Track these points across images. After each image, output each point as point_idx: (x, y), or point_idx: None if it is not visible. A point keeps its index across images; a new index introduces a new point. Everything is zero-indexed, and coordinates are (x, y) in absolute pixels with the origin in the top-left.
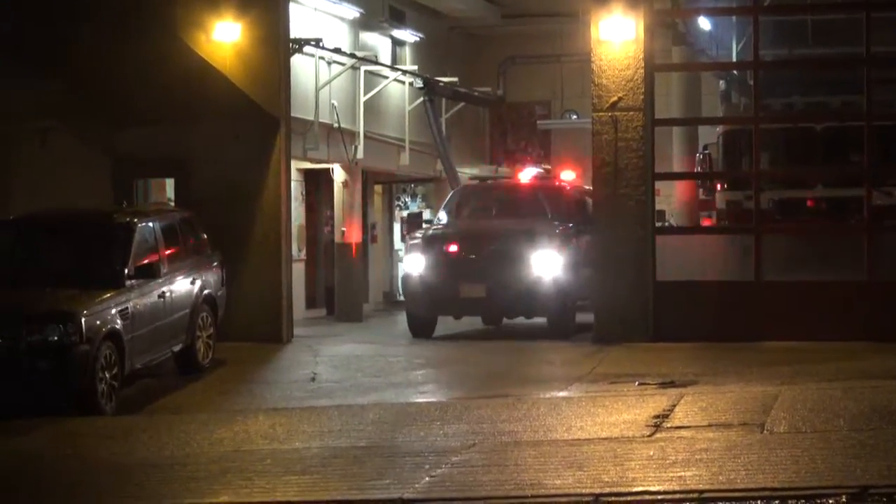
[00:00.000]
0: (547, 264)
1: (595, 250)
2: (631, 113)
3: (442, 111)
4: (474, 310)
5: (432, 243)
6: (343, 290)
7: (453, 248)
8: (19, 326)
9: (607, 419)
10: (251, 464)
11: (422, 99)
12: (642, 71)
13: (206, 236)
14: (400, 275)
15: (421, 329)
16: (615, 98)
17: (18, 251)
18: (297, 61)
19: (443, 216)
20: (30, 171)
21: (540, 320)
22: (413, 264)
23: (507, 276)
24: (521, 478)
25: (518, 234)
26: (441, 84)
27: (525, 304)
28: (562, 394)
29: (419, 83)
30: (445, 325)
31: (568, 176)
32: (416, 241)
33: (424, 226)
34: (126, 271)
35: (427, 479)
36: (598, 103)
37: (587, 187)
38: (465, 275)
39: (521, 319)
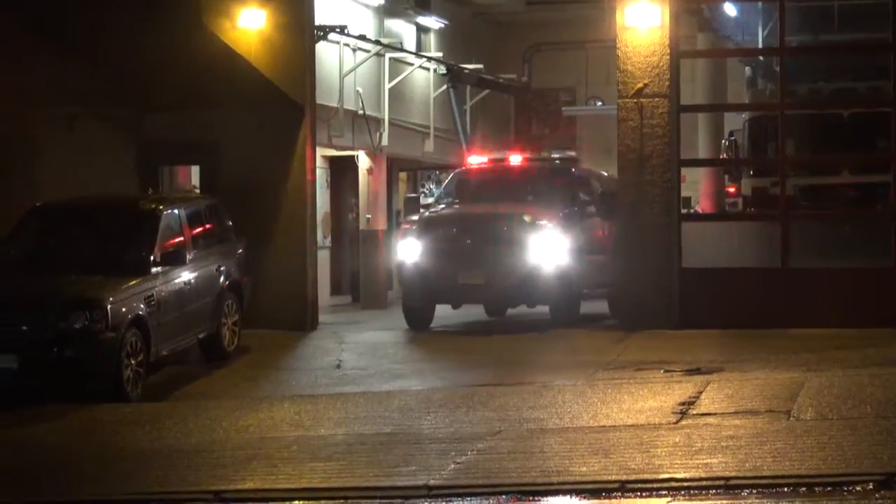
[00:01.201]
0: (548, 250)
1: (620, 237)
2: (656, 99)
3: (466, 98)
4: (472, 298)
5: (427, 228)
6: (368, 278)
7: (450, 232)
8: (45, 313)
9: (633, 406)
10: (277, 451)
11: (446, 86)
12: (668, 57)
13: (231, 223)
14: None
15: (417, 320)
16: (641, 85)
17: (44, 238)
18: (321, 48)
19: (441, 200)
20: (56, 158)
21: (543, 309)
22: (407, 251)
23: (506, 262)
24: (547, 465)
25: (518, 217)
26: (466, 71)
27: (526, 292)
28: (587, 381)
29: (443, 70)
30: (448, 316)
31: (570, 156)
32: (410, 227)
33: (422, 211)
34: (152, 258)
35: (453, 465)
36: (623, 90)
37: (597, 169)
38: (462, 261)
39: (523, 309)
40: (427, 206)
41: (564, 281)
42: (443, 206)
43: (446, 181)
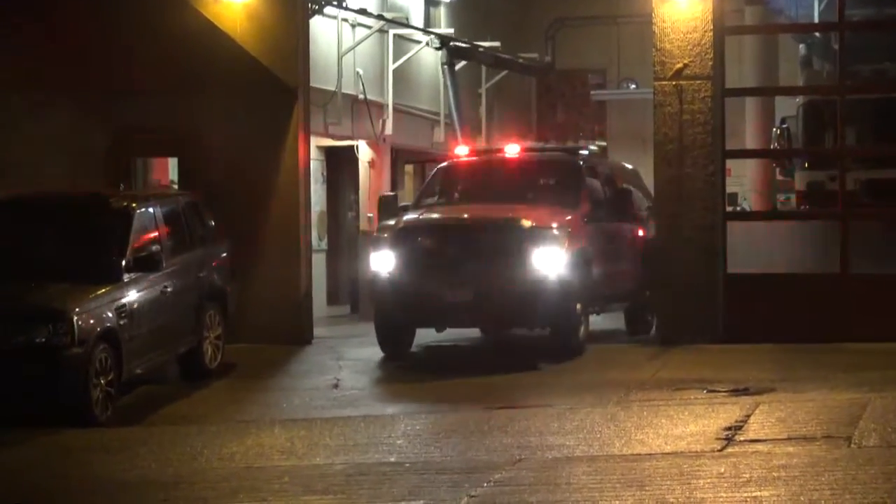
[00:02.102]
0: (550, 262)
1: (658, 238)
2: (698, 82)
3: (482, 80)
4: (459, 320)
5: (405, 236)
6: (368, 286)
7: (432, 242)
8: (2, 326)
9: (672, 431)
10: (266, 482)
11: (441, 63)
12: (711, 34)
13: (213, 223)
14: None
15: (392, 343)
16: (680, 65)
17: (0, 239)
18: (316, 24)
19: (423, 201)
20: (15, 148)
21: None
22: (382, 263)
23: (500, 277)
24: (574, 498)
25: (514, 223)
26: (480, 49)
27: (521, 313)
28: (619, 402)
29: (436, 44)
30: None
31: (582, 148)
32: (385, 235)
33: (401, 214)
34: (123, 263)
35: (466, 499)
36: (660, 71)
37: (618, 161)
38: (446, 276)
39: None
40: (407, 208)
41: (567, 299)
42: (424, 208)
43: (429, 177)
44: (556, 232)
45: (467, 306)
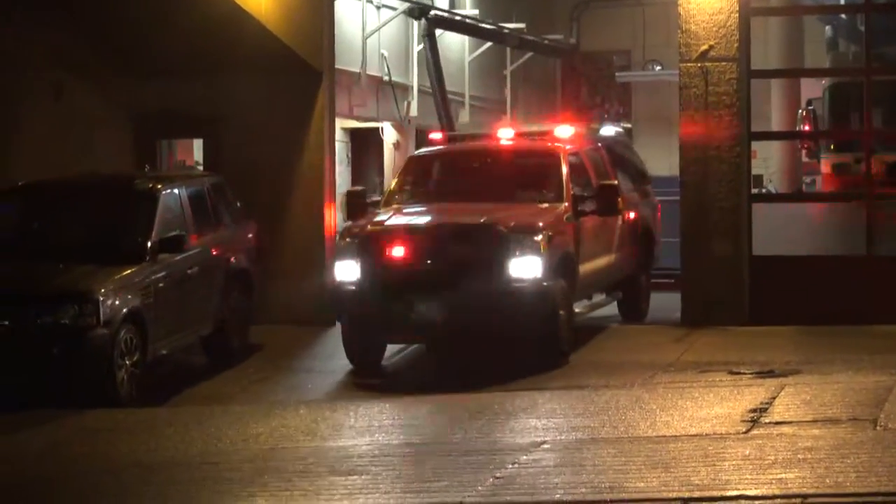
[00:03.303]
0: (529, 271)
1: (682, 220)
2: (723, 63)
3: (507, 62)
4: (428, 335)
5: (367, 245)
6: None
7: (396, 252)
8: (29, 307)
9: (697, 413)
10: (291, 463)
11: (421, 35)
12: (737, 15)
13: (238, 205)
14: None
15: (361, 355)
16: (705, 46)
17: (27, 222)
18: (341, 6)
19: (393, 198)
20: (40, 131)
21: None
22: (345, 273)
23: (472, 290)
24: (599, 480)
25: (487, 230)
26: (506, 31)
27: (499, 327)
28: (644, 384)
29: (415, 14)
30: None
31: (565, 132)
32: (348, 241)
33: (369, 213)
34: (149, 244)
35: (491, 480)
36: (685, 52)
37: (621, 139)
38: (414, 288)
39: None
40: (377, 204)
41: (550, 306)
42: (393, 207)
43: (400, 170)
44: (536, 237)
45: (438, 324)
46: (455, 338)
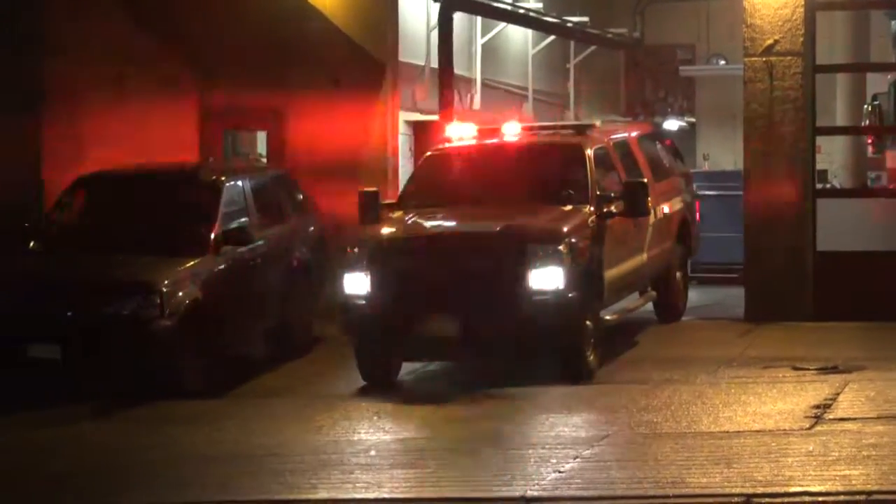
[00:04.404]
0: (551, 282)
1: (746, 215)
2: (788, 58)
3: (570, 56)
4: (443, 354)
5: (378, 257)
6: None
7: (409, 263)
8: (92, 298)
9: (760, 409)
10: (353, 456)
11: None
12: (802, 9)
13: (302, 197)
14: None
15: (374, 371)
16: (770, 41)
17: (91, 212)
18: None
19: (407, 202)
20: (105, 123)
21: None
22: (355, 286)
23: (490, 304)
24: (662, 475)
25: (505, 239)
26: (569, 24)
27: (518, 343)
28: (707, 379)
29: None
30: None
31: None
32: (357, 252)
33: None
34: (213, 236)
35: (553, 474)
36: (750, 47)
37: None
38: (427, 302)
39: None
40: (391, 207)
41: (574, 318)
42: (407, 212)
43: (414, 170)
44: (558, 245)
45: (453, 340)
46: (472, 356)
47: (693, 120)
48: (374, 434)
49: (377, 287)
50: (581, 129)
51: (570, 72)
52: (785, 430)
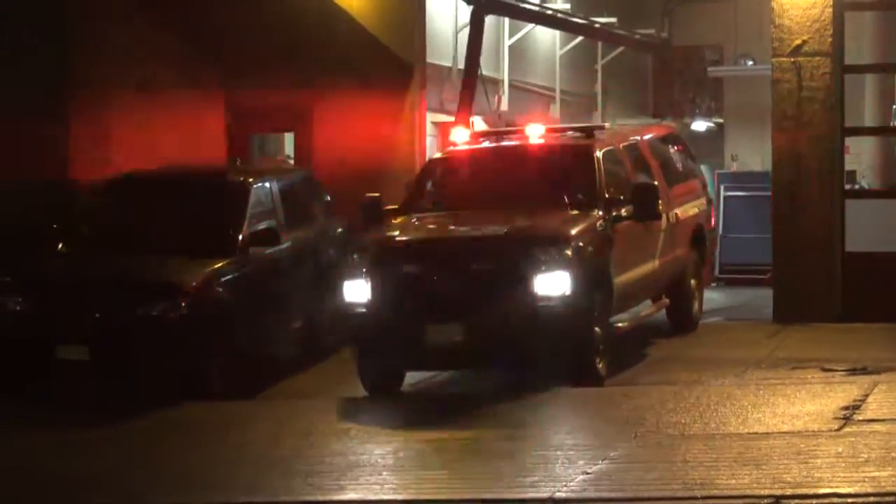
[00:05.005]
0: (558, 289)
1: (774, 216)
2: (817, 58)
3: (598, 57)
4: (447, 362)
5: (379, 263)
6: None
7: (411, 269)
8: (120, 300)
9: (789, 410)
10: (381, 457)
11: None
12: (831, 10)
13: (329, 199)
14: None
15: (376, 381)
16: (798, 41)
17: (120, 213)
18: (433, 0)
19: (411, 206)
20: (132, 125)
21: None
22: (356, 293)
23: (495, 311)
24: (690, 476)
25: (510, 244)
26: (597, 25)
27: (524, 352)
28: (735, 380)
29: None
30: None
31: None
32: (358, 259)
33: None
34: (240, 238)
35: (581, 476)
36: (778, 47)
37: (665, 132)
38: (429, 309)
39: None
40: (395, 212)
41: (583, 325)
42: (409, 217)
43: (417, 173)
44: (565, 250)
45: (457, 347)
46: (476, 364)
47: (721, 121)
48: (403, 434)
49: (380, 294)
50: (590, 132)
51: (597, 73)
52: (814, 431)
